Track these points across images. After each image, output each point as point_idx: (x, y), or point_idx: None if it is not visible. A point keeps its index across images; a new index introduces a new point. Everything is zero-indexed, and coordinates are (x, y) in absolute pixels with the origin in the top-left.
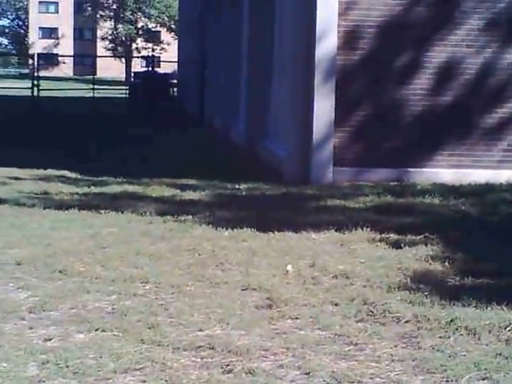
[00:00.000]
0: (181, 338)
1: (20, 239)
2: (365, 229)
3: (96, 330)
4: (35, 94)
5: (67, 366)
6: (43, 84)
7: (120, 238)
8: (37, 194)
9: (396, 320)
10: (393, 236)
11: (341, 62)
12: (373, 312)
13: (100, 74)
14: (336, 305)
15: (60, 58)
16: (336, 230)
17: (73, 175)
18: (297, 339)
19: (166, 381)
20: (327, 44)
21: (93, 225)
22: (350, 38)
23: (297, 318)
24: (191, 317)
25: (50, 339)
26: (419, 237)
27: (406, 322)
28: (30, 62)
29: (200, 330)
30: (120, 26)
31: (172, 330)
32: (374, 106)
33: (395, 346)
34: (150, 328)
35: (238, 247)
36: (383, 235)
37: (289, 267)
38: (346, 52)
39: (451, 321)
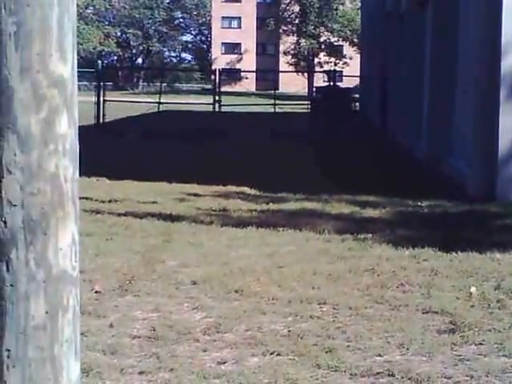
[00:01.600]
0: (358, 363)
1: (196, 257)
2: None
3: (271, 354)
4: (216, 109)
5: None
6: (225, 99)
7: (297, 257)
8: (215, 210)
9: None
10: None
11: None
12: None
13: (282, 89)
14: None
15: (242, 74)
16: None
17: (252, 191)
18: (481, 367)
19: None
20: None
21: (270, 243)
22: None
23: (481, 344)
24: (369, 341)
25: (224, 362)
26: None
27: None
28: (213, 77)
29: (379, 355)
30: (302, 40)
31: (349, 354)
32: None
33: None
34: (326, 352)
35: (419, 268)
36: None
37: (473, 289)
38: None
39: None
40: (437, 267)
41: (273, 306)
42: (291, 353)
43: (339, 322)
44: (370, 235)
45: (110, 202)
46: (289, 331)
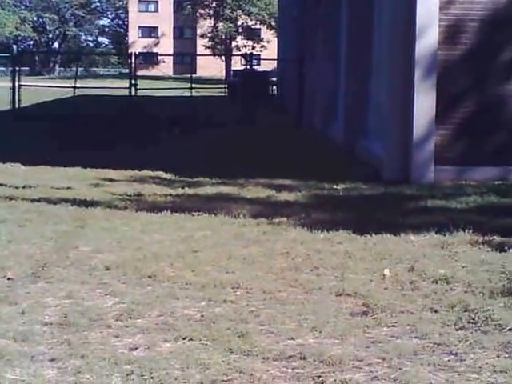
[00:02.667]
0: (271, 347)
1: (110, 243)
2: (467, 231)
3: (183, 339)
4: (133, 93)
5: (152, 378)
6: (142, 83)
7: (212, 242)
8: (130, 195)
9: (499, 328)
10: (496, 238)
11: (442, 57)
12: (474, 319)
13: (200, 73)
14: (435, 312)
15: (160, 57)
16: (436, 232)
17: (168, 176)
18: (393, 348)
19: None
20: (428, 39)
21: (185, 228)
22: (451, 33)
23: (393, 326)
24: (282, 324)
25: (136, 348)
26: None
27: (510, 329)
28: (129, 61)
29: (291, 339)
30: (220, 23)
31: (262, 338)
32: (478, 102)
33: (498, 356)
34: (239, 336)
35: (334, 250)
36: (486, 237)
37: (386, 271)
38: (448, 47)
39: None
40: (351, 250)
41: (186, 290)
42: (204, 338)
43: (252, 306)
44: (285, 219)
45: (24, 188)
46: (202, 316)
